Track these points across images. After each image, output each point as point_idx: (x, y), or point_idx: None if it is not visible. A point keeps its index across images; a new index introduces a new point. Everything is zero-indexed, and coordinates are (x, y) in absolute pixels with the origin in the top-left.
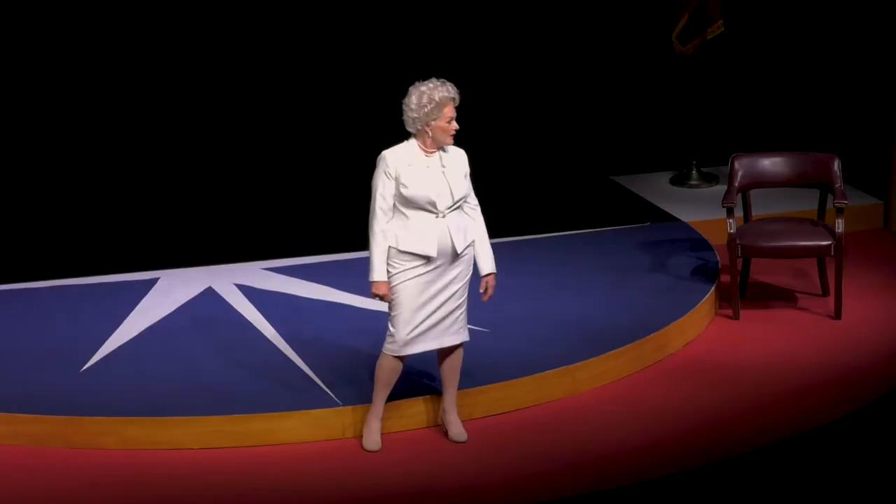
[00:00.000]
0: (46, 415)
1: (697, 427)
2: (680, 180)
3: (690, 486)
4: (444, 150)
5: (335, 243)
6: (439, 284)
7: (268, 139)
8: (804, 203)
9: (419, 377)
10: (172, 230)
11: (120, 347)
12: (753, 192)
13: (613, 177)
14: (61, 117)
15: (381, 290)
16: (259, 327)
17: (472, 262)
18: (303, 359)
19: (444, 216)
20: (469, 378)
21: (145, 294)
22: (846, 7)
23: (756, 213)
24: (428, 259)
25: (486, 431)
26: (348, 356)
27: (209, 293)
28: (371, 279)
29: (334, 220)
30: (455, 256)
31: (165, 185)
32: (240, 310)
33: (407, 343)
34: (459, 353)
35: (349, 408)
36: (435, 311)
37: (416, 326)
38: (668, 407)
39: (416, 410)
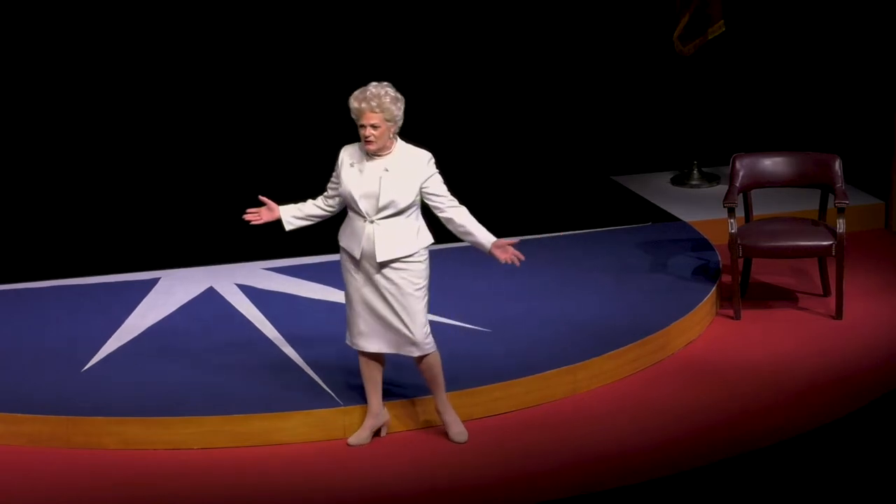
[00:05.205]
0: (46, 415)
1: (698, 427)
2: (681, 180)
3: (691, 486)
4: (399, 154)
5: (336, 243)
6: (370, 287)
7: (268, 139)
8: (805, 203)
9: (418, 378)
10: (173, 230)
11: (120, 347)
12: (754, 192)
13: (614, 177)
14: (61, 117)
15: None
16: (260, 327)
17: (418, 274)
18: (303, 359)
19: (373, 222)
20: (470, 378)
21: (146, 294)
22: (847, 7)
23: (757, 213)
24: (354, 258)
25: (486, 431)
26: (349, 356)
27: (210, 293)
28: None
29: (334, 220)
30: (377, 264)
31: (166, 185)
32: (241, 310)
33: (354, 337)
34: (429, 362)
35: (349, 408)
36: (370, 312)
37: (357, 322)
38: (669, 407)
39: (415, 410)
